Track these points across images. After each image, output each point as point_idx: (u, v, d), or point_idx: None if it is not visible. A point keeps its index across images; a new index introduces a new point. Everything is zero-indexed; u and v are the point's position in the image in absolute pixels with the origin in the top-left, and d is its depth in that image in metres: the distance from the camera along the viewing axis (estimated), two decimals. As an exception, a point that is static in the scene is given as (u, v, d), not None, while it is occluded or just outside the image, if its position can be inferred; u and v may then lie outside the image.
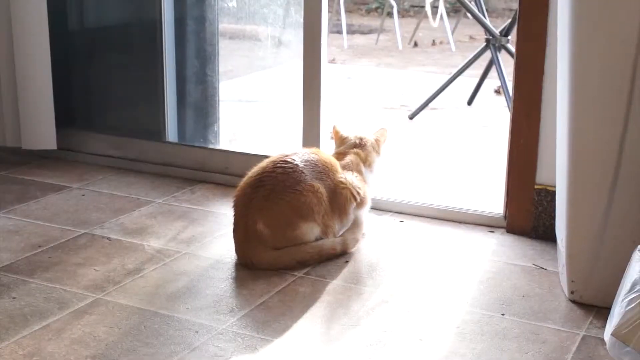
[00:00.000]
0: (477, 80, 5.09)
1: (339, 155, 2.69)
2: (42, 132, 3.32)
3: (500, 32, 4.85)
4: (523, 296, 2.31)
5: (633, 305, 1.81)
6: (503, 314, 2.20)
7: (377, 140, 2.76)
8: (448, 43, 7.84)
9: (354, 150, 2.70)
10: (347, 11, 9.02)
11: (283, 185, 2.46)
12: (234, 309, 2.21)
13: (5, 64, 3.32)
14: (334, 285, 2.37)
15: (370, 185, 2.71)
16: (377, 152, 2.74)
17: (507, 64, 4.37)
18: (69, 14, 3.55)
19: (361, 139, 2.74)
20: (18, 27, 3.24)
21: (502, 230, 2.78)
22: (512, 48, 3.59)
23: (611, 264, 2.14)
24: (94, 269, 2.43)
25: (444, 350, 2.03)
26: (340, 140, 2.77)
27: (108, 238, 2.67)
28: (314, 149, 2.65)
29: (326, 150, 2.83)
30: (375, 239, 2.70)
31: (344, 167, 2.63)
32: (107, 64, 3.54)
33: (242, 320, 2.15)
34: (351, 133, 2.78)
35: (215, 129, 3.45)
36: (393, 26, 8.04)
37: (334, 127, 2.79)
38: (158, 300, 2.25)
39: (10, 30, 3.26)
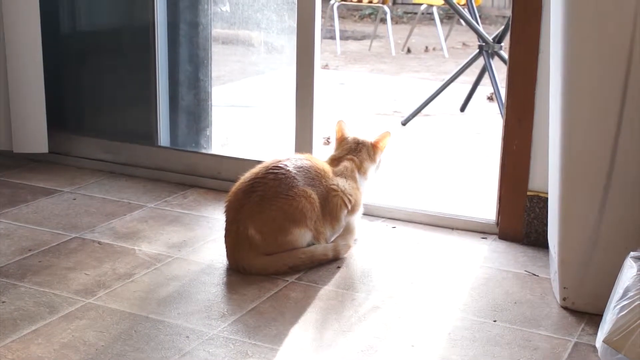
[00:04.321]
0: (470, 86, 5.10)
1: (334, 161, 2.68)
2: (34, 136, 3.31)
3: (493, 39, 4.86)
4: (515, 303, 2.30)
5: (625, 312, 1.82)
6: (495, 321, 2.20)
7: (374, 145, 2.73)
8: (441, 49, 7.85)
9: (349, 156, 2.69)
10: (341, 17, 9.03)
11: (275, 190, 2.45)
12: (225, 314, 2.21)
13: (-3, 67, 3.31)
14: (326, 290, 2.36)
15: (364, 191, 2.70)
16: (372, 159, 2.72)
17: (500, 70, 4.38)
18: (61, 17, 3.54)
19: (357, 144, 2.72)
20: (10, 30, 3.23)
21: (495, 236, 2.78)
22: (505, 55, 3.60)
23: (603, 271, 2.14)
24: (85, 273, 2.42)
25: (436, 356, 2.03)
26: (340, 140, 2.75)
27: (99, 242, 2.66)
28: (306, 155, 2.65)
29: (319, 155, 2.82)
30: (367, 245, 2.70)
31: (338, 174, 2.62)
32: (100, 68, 3.53)
33: (233, 325, 2.14)
34: (351, 134, 2.75)
35: (208, 133, 3.45)
36: (386, 32, 8.05)
37: (339, 123, 2.76)
38: (149, 305, 2.24)
39: (2, 33, 3.25)
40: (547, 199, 2.53)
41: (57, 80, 3.49)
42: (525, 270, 2.52)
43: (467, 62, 4.94)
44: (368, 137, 2.75)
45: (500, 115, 4.25)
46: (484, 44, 4.85)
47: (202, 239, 2.71)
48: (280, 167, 2.50)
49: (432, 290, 2.39)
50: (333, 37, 8.00)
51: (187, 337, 2.08)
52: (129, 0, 3.46)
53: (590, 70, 2.08)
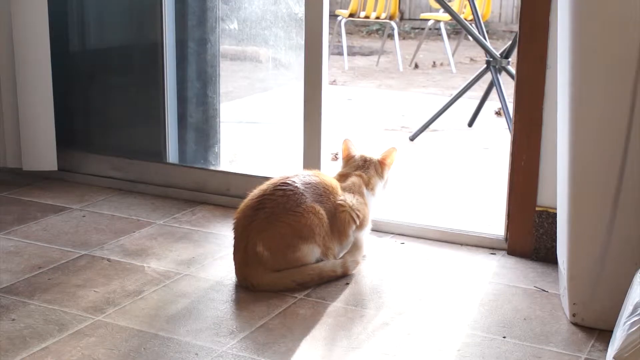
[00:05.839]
0: (477, 101, 5.10)
1: (342, 177, 2.69)
2: (43, 153, 3.33)
3: (501, 54, 4.87)
4: (524, 319, 2.30)
5: (635, 328, 1.80)
6: (504, 337, 2.19)
7: (381, 162, 2.74)
8: (449, 65, 7.87)
9: (357, 172, 2.70)
10: (348, 33, 9.05)
11: (283, 207, 2.46)
12: (234, 331, 2.21)
13: (6, 85, 3.32)
14: (335, 307, 2.36)
15: (372, 207, 2.70)
16: (380, 175, 2.73)
17: (508, 85, 4.39)
18: (70, 35, 3.57)
19: (365, 161, 2.73)
20: (20, 47, 3.25)
21: (503, 252, 2.77)
22: (513, 70, 3.60)
23: (613, 287, 2.13)
24: (94, 291, 2.43)
25: (445, 373, 2.02)
26: (347, 158, 2.76)
27: (108, 259, 2.66)
28: (314, 171, 2.65)
29: (327, 172, 2.82)
30: (376, 261, 2.69)
31: (346, 189, 2.62)
32: (108, 85, 3.55)
33: (242, 342, 2.14)
34: (358, 152, 2.77)
35: (216, 150, 3.46)
36: (394, 48, 8.07)
37: (346, 142, 2.77)
38: (158, 322, 2.24)
39: (12, 51, 3.27)
40: (556, 214, 2.52)
41: (66, 98, 3.51)
42: (535, 286, 2.51)
43: (475, 77, 4.94)
44: (375, 155, 2.76)
45: (508, 131, 4.25)
46: (491, 59, 4.86)
47: (211, 256, 2.71)
48: (288, 183, 2.51)
49: (441, 306, 2.38)
50: (341, 53, 8.02)
51: (197, 354, 2.08)
52: (138, 18, 3.49)
53: (598, 85, 2.09)
